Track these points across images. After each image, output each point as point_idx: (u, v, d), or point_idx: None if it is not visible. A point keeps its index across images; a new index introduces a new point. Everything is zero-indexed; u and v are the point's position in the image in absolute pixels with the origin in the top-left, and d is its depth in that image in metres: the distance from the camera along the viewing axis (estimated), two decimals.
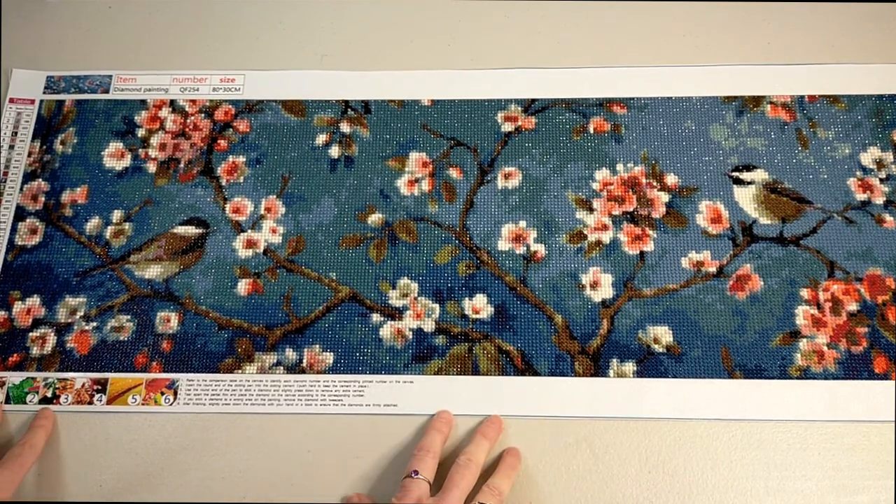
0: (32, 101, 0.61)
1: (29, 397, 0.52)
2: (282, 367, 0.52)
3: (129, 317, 0.54)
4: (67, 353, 0.53)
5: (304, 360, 0.52)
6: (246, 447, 0.50)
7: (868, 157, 0.56)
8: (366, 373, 0.52)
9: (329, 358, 0.52)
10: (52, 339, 0.53)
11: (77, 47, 0.63)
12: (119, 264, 0.56)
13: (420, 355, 0.52)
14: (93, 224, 0.57)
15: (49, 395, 0.52)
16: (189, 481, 0.49)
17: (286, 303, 0.54)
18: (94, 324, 0.54)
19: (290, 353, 0.53)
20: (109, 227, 0.57)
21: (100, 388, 0.52)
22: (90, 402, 0.51)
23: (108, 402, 0.51)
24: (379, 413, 0.51)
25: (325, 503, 0.48)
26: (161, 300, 0.54)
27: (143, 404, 0.51)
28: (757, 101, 0.59)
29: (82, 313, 0.54)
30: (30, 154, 0.59)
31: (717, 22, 0.62)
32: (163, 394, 0.51)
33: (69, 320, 0.54)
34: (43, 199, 0.58)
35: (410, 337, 0.53)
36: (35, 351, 0.53)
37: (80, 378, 0.52)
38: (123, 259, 0.56)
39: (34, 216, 0.57)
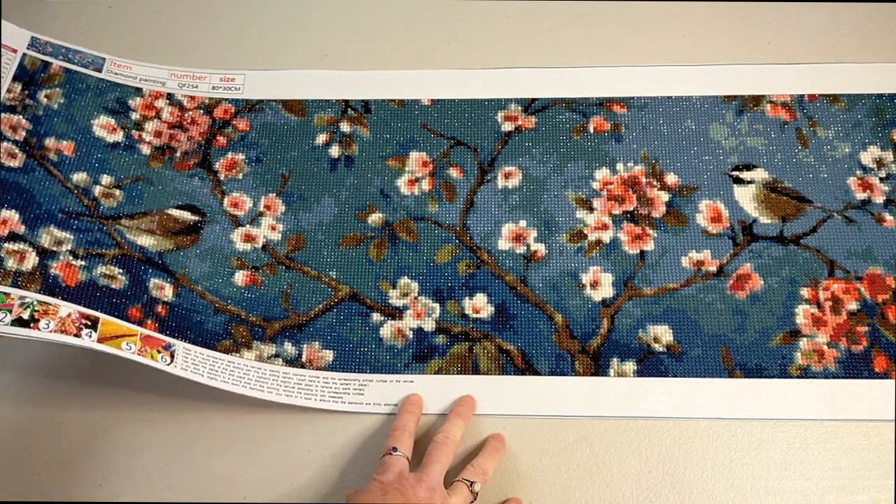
0: (15, 51, 0.55)
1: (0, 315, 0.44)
2: (280, 360, 0.52)
3: (121, 270, 0.51)
4: (52, 278, 0.48)
5: (304, 356, 0.52)
6: (246, 446, 0.50)
7: (868, 157, 0.56)
8: (366, 372, 0.52)
9: (329, 355, 0.52)
10: (32, 258, 0.48)
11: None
12: (109, 223, 0.52)
13: (420, 355, 0.52)
14: (80, 177, 0.53)
15: (25, 316, 0.44)
16: (189, 481, 0.49)
17: (285, 298, 0.54)
18: (83, 262, 0.50)
19: (289, 347, 0.52)
20: (98, 187, 0.53)
21: (89, 323, 0.46)
22: (77, 335, 0.45)
23: (100, 341, 0.45)
24: (379, 412, 0.50)
25: (325, 503, 0.48)
26: (155, 268, 0.52)
27: (138, 354, 0.46)
28: (757, 100, 0.59)
29: (69, 248, 0.50)
30: (9, 91, 0.53)
31: (717, 22, 0.62)
32: (159, 352, 0.47)
33: (54, 248, 0.49)
34: (24, 134, 0.53)
35: (411, 336, 0.53)
36: (11, 264, 0.47)
37: (66, 307, 0.46)
38: (114, 219, 0.52)
39: (13, 143, 0.52)
